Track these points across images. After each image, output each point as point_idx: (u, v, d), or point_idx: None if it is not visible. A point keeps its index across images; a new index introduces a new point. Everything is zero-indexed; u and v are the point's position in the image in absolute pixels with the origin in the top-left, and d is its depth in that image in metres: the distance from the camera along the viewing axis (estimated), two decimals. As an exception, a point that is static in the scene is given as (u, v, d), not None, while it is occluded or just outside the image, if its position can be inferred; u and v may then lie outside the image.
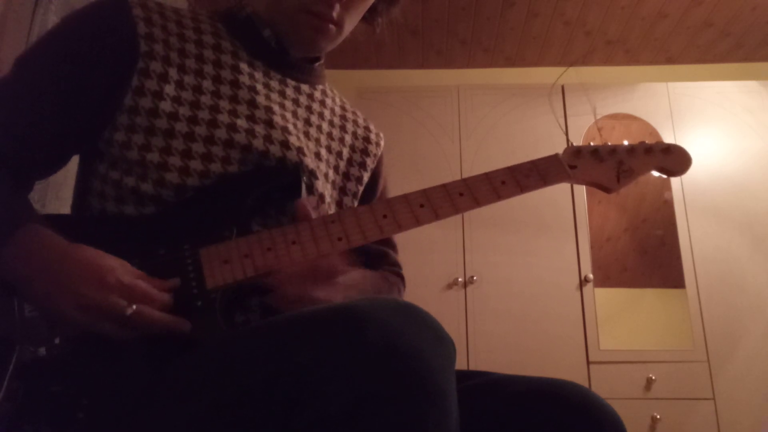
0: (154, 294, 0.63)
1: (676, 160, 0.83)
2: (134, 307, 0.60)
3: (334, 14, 0.81)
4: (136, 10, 0.76)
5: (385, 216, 0.74)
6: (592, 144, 0.83)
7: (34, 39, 1.52)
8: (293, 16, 0.81)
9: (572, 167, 0.81)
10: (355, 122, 0.97)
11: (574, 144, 0.83)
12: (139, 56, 0.74)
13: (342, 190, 0.91)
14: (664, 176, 0.84)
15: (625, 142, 0.84)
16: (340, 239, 0.72)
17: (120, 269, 0.62)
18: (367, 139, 0.97)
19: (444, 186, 0.77)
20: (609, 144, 0.83)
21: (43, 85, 0.73)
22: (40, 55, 0.76)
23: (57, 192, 1.55)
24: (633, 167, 0.82)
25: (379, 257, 0.95)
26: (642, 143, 0.84)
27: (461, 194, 0.76)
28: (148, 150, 0.73)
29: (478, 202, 0.76)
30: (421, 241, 2.62)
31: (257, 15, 0.85)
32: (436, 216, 0.75)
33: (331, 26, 0.82)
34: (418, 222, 0.75)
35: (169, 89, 0.74)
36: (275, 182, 0.77)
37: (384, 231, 0.74)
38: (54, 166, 0.78)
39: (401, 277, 0.96)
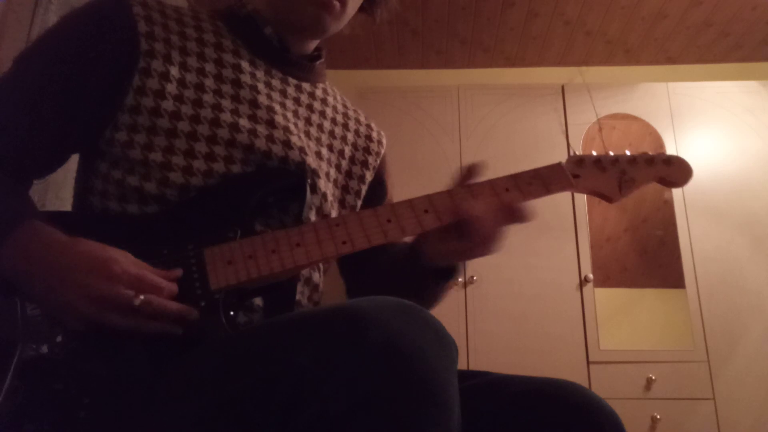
0: (160, 283, 0.63)
1: (677, 171, 0.84)
2: (142, 297, 0.61)
3: None
4: (136, 8, 0.75)
5: (389, 221, 0.74)
6: (594, 153, 0.84)
7: (34, 39, 1.52)
8: None
9: (575, 176, 0.81)
10: (357, 120, 0.97)
11: (576, 150, 0.84)
12: (140, 55, 0.73)
13: (344, 189, 0.91)
14: (665, 187, 0.85)
15: (627, 152, 0.85)
16: (344, 243, 0.72)
17: (124, 260, 0.62)
18: (369, 137, 0.97)
19: (449, 192, 0.77)
20: (611, 154, 0.84)
21: (42, 84, 0.73)
22: (40, 54, 0.76)
23: (57, 192, 1.55)
24: (635, 177, 0.83)
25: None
26: (644, 154, 0.84)
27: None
28: (150, 149, 0.73)
29: None
30: (421, 241, 2.62)
31: (258, 13, 0.85)
32: (440, 221, 0.75)
33: (336, 2, 0.82)
34: (422, 227, 0.75)
35: (171, 88, 0.74)
36: (280, 183, 0.77)
37: (388, 235, 0.74)
38: (53, 165, 0.78)
39: None
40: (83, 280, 0.60)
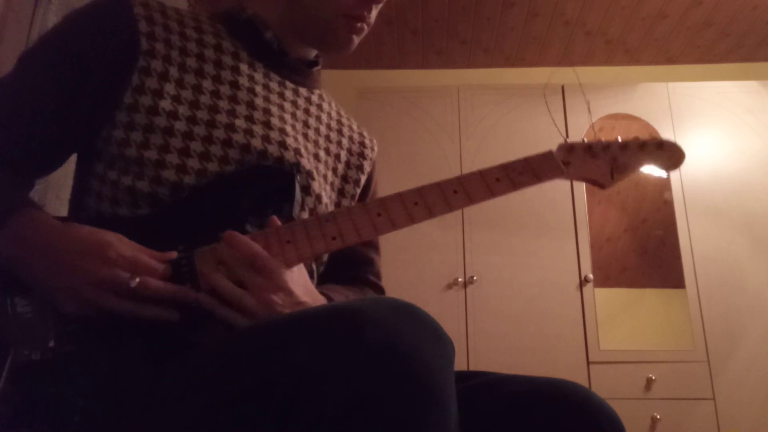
0: (155, 265, 0.64)
1: (669, 155, 0.83)
2: (138, 279, 0.61)
3: (371, 16, 0.84)
4: (137, 8, 0.76)
5: (379, 214, 0.74)
6: (585, 140, 0.83)
7: (34, 39, 1.52)
8: (331, 20, 0.82)
9: (566, 164, 0.80)
10: (350, 128, 0.98)
11: (569, 141, 0.83)
12: (140, 54, 0.74)
13: (340, 192, 0.91)
14: (659, 173, 0.85)
15: (619, 138, 0.83)
16: (334, 238, 0.72)
17: (118, 243, 0.64)
18: (362, 144, 0.98)
19: (438, 184, 0.76)
20: (603, 140, 0.83)
21: (44, 82, 0.74)
22: (42, 52, 0.77)
23: (57, 192, 1.55)
24: (627, 163, 0.82)
25: (366, 263, 0.95)
26: (635, 138, 0.83)
27: (455, 192, 0.76)
28: (146, 148, 0.73)
29: (471, 200, 0.76)
30: (421, 241, 2.62)
31: (258, 17, 0.85)
32: (430, 213, 0.75)
33: (365, 26, 0.85)
34: (412, 220, 0.74)
35: (170, 88, 0.75)
36: (270, 184, 0.77)
37: (378, 229, 0.73)
38: (53, 164, 0.79)
39: (382, 291, 0.97)
40: (81, 264, 0.61)
